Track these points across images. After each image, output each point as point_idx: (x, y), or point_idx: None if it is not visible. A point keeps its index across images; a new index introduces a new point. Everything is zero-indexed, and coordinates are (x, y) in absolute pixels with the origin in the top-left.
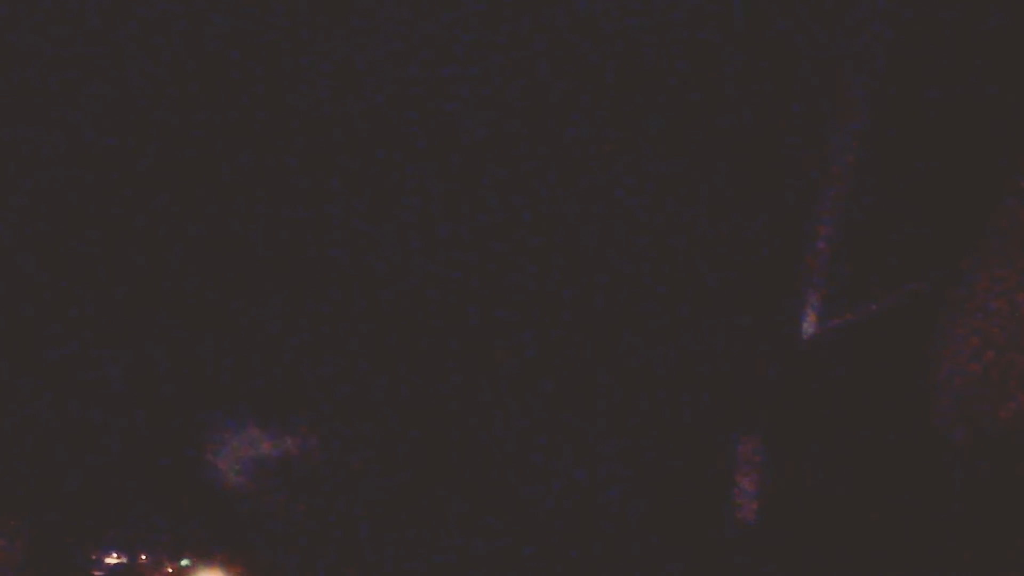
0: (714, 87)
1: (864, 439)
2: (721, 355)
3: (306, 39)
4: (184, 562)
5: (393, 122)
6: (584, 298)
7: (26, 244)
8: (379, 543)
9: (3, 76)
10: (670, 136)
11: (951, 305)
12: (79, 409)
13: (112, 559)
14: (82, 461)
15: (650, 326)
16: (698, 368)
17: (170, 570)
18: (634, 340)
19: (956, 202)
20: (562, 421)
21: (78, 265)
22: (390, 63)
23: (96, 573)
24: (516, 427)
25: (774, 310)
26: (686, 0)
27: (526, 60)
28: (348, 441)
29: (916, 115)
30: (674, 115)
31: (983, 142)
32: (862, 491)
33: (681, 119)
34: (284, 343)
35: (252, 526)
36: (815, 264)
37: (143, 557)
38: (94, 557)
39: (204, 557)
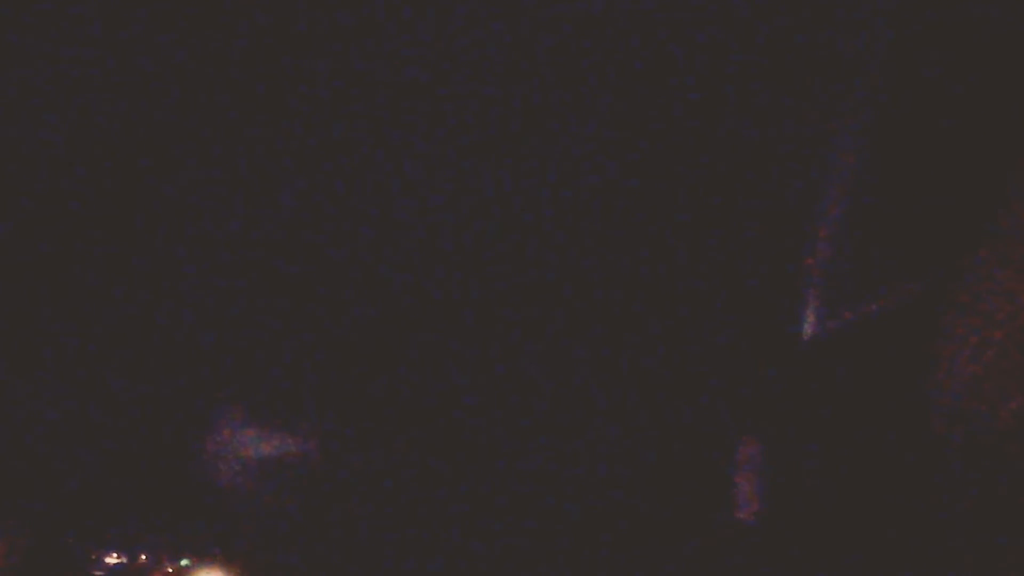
0: (715, 88)
1: (864, 439)
2: (721, 355)
3: (306, 39)
4: (184, 562)
5: (392, 122)
6: (585, 298)
7: (28, 245)
8: (379, 543)
9: (3, 76)
10: (670, 137)
11: (951, 305)
12: (79, 409)
13: (112, 559)
14: (82, 461)
15: (651, 326)
16: (698, 368)
17: (170, 570)
18: (635, 340)
19: (956, 202)
20: (562, 421)
21: (79, 266)
22: (390, 63)
23: (96, 573)
24: (517, 427)
25: (774, 310)
26: (687, 2)
27: (528, 61)
28: (348, 441)
29: (916, 116)
30: (674, 116)
31: (983, 143)
32: (862, 491)
33: (681, 120)
34: (284, 344)
35: (252, 526)
36: (815, 264)
37: (143, 557)
38: (94, 557)
39: (204, 557)
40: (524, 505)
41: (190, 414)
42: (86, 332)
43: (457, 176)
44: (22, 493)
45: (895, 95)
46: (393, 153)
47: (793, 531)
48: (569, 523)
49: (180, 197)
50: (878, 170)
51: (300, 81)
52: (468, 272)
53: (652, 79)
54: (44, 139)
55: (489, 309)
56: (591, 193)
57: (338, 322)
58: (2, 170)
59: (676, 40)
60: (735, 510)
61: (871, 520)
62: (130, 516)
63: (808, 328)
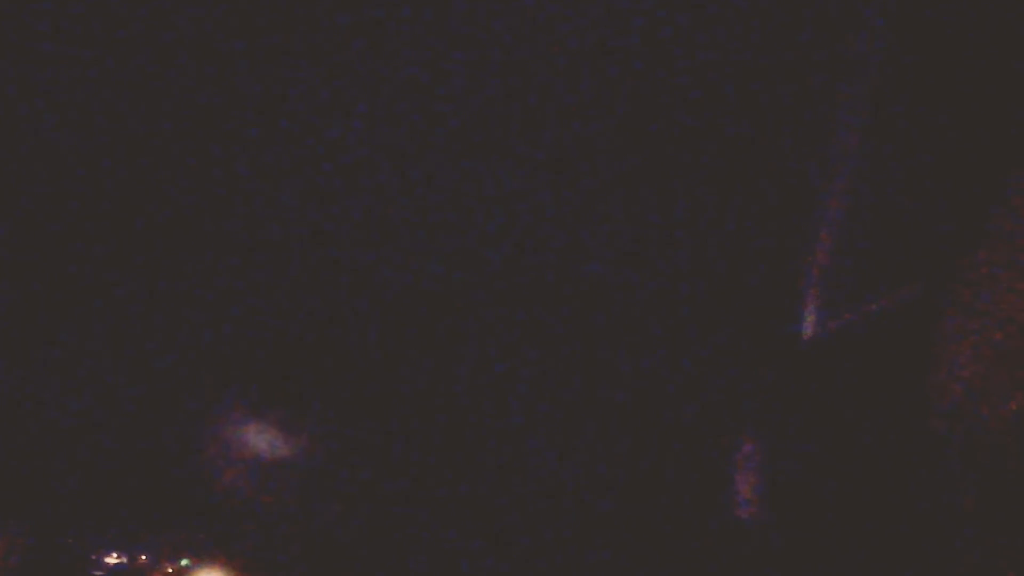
0: (715, 88)
1: (864, 439)
2: (721, 355)
3: (307, 39)
4: (184, 562)
5: (392, 122)
6: (585, 298)
7: (28, 245)
8: (379, 543)
9: (3, 76)
10: (671, 138)
11: (951, 305)
12: (79, 409)
13: (112, 559)
14: (82, 461)
15: (651, 327)
16: (699, 369)
17: (170, 570)
18: (635, 341)
19: (955, 202)
20: (562, 421)
21: (79, 265)
22: (390, 63)
23: (96, 573)
24: (516, 427)
25: (774, 310)
26: (687, 2)
27: (529, 63)
28: (348, 441)
29: (916, 116)
30: (675, 117)
31: (983, 143)
32: (862, 491)
33: (682, 121)
34: (285, 344)
35: (252, 526)
36: (815, 264)
37: (143, 557)
38: (94, 557)
39: (204, 557)
40: (524, 505)
41: (190, 414)
42: (86, 332)
43: (457, 176)
44: (22, 493)
45: (895, 95)
46: (393, 153)
47: (793, 531)
48: (569, 523)
49: (180, 196)
50: (878, 170)
51: (300, 81)
52: (468, 272)
53: (652, 79)
54: (44, 139)
55: (489, 309)
56: (591, 193)
57: (338, 322)
58: (2, 170)
59: (676, 40)
60: (735, 510)
61: (871, 520)
62: (130, 516)
63: (808, 328)
